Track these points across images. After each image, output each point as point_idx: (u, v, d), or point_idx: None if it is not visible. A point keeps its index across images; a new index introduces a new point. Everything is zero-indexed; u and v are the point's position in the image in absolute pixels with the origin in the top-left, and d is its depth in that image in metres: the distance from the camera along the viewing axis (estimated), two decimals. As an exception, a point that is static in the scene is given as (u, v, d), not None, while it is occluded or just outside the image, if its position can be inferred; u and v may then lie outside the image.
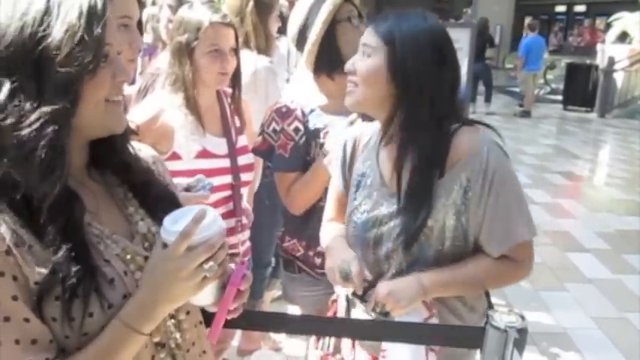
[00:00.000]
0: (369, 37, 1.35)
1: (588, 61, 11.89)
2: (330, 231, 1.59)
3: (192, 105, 1.89)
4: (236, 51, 1.95)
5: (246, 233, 2.11)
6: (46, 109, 0.79)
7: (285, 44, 3.23)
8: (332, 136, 1.80)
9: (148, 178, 1.04)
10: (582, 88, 11.58)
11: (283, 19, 2.90)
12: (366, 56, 1.35)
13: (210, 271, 0.87)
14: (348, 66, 1.39)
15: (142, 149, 1.09)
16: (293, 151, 1.88)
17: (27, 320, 0.79)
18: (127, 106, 1.59)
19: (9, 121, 0.77)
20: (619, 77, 11.38)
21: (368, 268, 1.40)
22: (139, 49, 1.38)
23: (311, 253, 1.96)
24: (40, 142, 0.79)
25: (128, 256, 0.92)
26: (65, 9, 0.80)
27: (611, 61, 11.01)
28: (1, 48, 0.76)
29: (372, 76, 1.33)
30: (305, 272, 1.99)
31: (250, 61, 2.51)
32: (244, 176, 2.01)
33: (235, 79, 2.00)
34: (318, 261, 1.95)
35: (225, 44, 1.90)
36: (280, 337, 3.09)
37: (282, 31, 2.87)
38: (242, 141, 2.05)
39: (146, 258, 0.94)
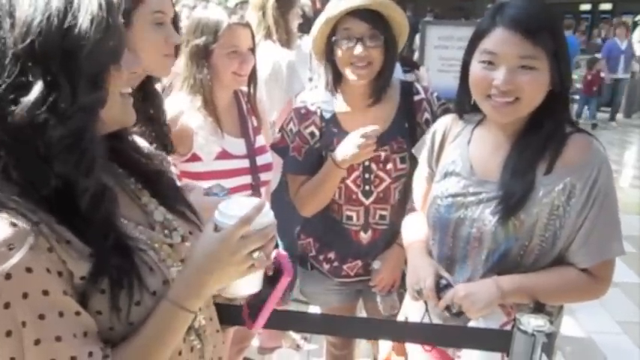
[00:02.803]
0: (526, 47, 1.26)
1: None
2: (412, 227, 1.59)
3: (210, 107, 1.89)
4: (252, 50, 1.94)
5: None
6: (82, 101, 0.78)
7: (307, 43, 3.24)
8: (343, 145, 1.76)
9: (157, 168, 1.04)
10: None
11: (307, 19, 2.92)
12: (528, 69, 1.27)
13: (259, 260, 0.89)
14: (504, 85, 1.27)
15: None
16: (307, 154, 1.88)
17: (78, 313, 0.80)
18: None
19: (45, 117, 0.76)
20: (646, 77, 11.12)
21: (445, 251, 1.42)
22: (175, 44, 1.38)
23: (321, 257, 1.98)
24: (79, 137, 0.79)
25: (156, 245, 0.94)
26: (85, 0, 0.80)
27: (638, 61, 10.76)
28: (31, 37, 0.75)
29: (539, 90, 1.29)
30: (316, 269, 2.01)
31: (272, 52, 2.53)
32: (263, 176, 2.01)
33: (251, 79, 1.99)
34: (326, 267, 1.97)
35: (244, 45, 1.89)
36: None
37: (305, 30, 2.89)
38: (260, 141, 2.05)
39: (170, 245, 0.96)
